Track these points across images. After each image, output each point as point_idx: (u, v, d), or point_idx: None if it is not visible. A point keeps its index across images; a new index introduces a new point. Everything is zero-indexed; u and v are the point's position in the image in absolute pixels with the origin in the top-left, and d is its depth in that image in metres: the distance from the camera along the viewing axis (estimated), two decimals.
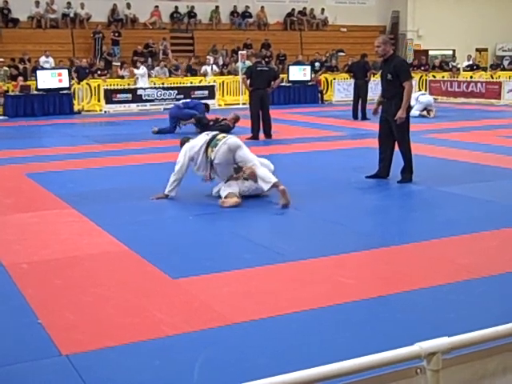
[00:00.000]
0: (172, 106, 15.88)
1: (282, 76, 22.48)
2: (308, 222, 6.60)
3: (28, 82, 19.60)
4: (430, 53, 29.16)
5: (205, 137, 7.60)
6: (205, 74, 22.78)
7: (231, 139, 7.46)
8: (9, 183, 8.82)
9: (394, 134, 8.42)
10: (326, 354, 3.38)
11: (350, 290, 4.53)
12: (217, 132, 7.83)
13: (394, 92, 8.21)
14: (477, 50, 30.23)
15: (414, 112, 17.25)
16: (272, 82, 13.32)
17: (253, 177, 7.27)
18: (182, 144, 7.85)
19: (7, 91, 19.27)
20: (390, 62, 8.29)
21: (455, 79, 24.81)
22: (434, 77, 25.53)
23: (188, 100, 15.37)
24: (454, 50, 29.33)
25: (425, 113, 17.22)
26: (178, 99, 20.60)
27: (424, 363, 1.84)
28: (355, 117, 16.88)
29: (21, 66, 20.88)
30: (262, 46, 25.71)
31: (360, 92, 16.86)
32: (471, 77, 25.57)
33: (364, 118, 16.70)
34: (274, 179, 7.18)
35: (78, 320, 4.05)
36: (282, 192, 7.03)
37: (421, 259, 5.28)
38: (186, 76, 22.77)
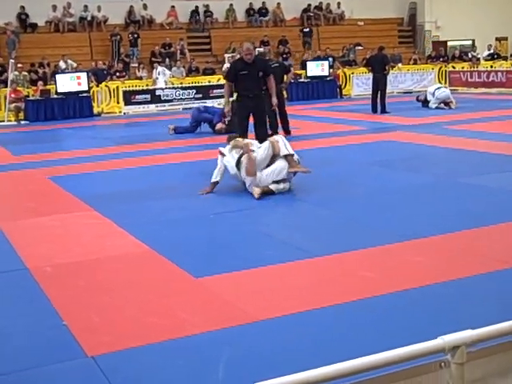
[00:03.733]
0: (195, 106, 15.99)
1: (300, 72, 22.57)
2: (329, 218, 6.57)
3: (48, 87, 19.76)
4: (449, 43, 28.90)
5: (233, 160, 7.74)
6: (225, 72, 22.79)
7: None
8: (32, 187, 8.90)
9: (259, 122, 9.56)
10: (349, 350, 3.36)
11: (373, 285, 4.50)
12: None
13: (261, 87, 9.48)
14: (496, 39, 29.88)
15: (431, 105, 17.16)
16: (285, 77, 13.48)
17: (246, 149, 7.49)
18: (228, 140, 8.04)
19: (27, 96, 19.45)
20: (257, 63, 9.55)
21: (475, 69, 24.56)
22: (454, 68, 25.30)
23: (210, 105, 15.34)
24: (473, 40, 29.03)
25: (442, 105, 17.07)
26: (197, 98, 20.72)
27: (448, 357, 1.82)
28: (374, 110, 16.78)
29: (40, 71, 21.05)
30: (279, 42, 25.67)
31: (379, 85, 16.75)
32: (491, 66, 25.30)
33: (383, 111, 16.61)
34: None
35: (102, 321, 4.07)
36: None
37: (444, 251, 5.23)
38: (204, 75, 22.83)
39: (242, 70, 9.31)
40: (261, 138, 9.15)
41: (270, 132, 12.68)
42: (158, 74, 21.52)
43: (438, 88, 17.86)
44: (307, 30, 26.68)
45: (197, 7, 26.13)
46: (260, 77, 9.32)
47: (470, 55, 26.78)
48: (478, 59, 26.41)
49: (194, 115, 14.52)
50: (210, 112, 14.39)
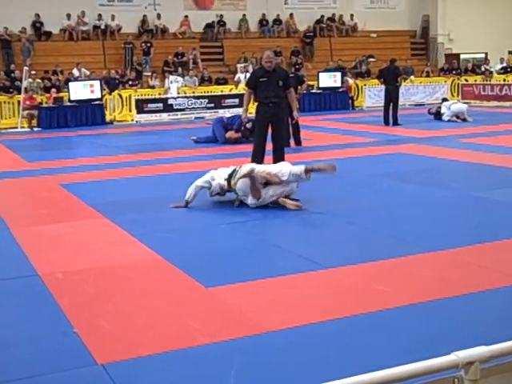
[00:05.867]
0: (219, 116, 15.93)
1: (312, 83, 22.59)
2: (340, 229, 6.56)
3: (61, 94, 19.87)
4: (462, 56, 28.86)
5: (227, 171, 7.65)
6: (238, 82, 22.87)
7: (243, 167, 7.49)
8: (44, 194, 8.94)
9: (278, 131, 9.35)
10: (361, 363, 3.35)
11: (384, 298, 4.49)
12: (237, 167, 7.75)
13: (283, 96, 9.41)
14: (510, 52, 29.78)
15: (444, 118, 17.18)
16: (299, 87, 13.60)
17: (270, 177, 7.27)
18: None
19: (41, 103, 19.56)
20: (278, 71, 9.52)
21: (488, 83, 24.50)
22: (467, 81, 25.25)
23: (235, 115, 15.05)
24: (486, 53, 28.98)
25: (454, 118, 17.09)
26: (209, 108, 20.78)
27: (462, 373, 1.80)
28: (386, 122, 16.77)
29: (54, 78, 21.18)
30: (291, 53, 25.72)
31: (391, 97, 16.75)
32: (504, 80, 25.23)
33: (395, 123, 16.59)
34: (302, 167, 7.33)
35: (112, 329, 4.07)
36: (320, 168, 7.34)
37: (457, 265, 5.20)
38: (217, 85, 22.92)
39: (261, 77, 9.34)
40: (278, 148, 9.16)
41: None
42: (171, 82, 21.62)
43: (455, 103, 18.02)
44: (309, 40, 26.75)
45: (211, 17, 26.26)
46: (280, 86, 9.32)
47: (482, 68, 26.74)
48: (491, 72, 26.35)
49: (212, 125, 14.50)
50: (233, 122, 14.12)
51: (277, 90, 9.28)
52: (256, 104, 9.68)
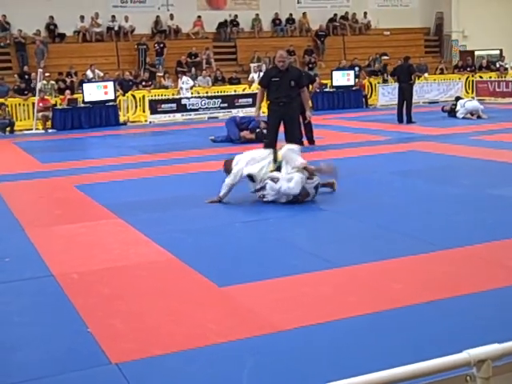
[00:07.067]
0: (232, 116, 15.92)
1: (325, 81, 22.56)
2: (355, 228, 6.54)
3: (75, 96, 19.97)
4: (476, 53, 28.67)
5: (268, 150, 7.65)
6: (251, 82, 22.88)
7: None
8: (59, 194, 8.99)
9: (290, 130, 9.66)
10: (373, 362, 3.33)
11: (398, 296, 4.47)
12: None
13: (295, 95, 9.46)
14: None
15: (459, 115, 17.11)
16: (310, 86, 13.70)
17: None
18: (226, 167, 7.87)
19: (55, 105, 19.68)
20: (291, 71, 9.61)
21: (503, 79, 24.34)
22: (481, 77, 25.09)
23: (247, 115, 15.08)
24: (501, 50, 28.78)
25: (469, 115, 17.00)
26: (222, 108, 20.80)
27: (474, 371, 1.79)
28: (400, 120, 16.70)
29: (68, 80, 21.31)
30: (304, 52, 25.69)
31: (405, 95, 16.69)
32: None
33: (409, 121, 16.52)
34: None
35: (126, 329, 4.09)
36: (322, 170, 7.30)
37: (470, 263, 5.17)
38: (230, 84, 22.95)
39: (274, 77, 9.35)
40: None
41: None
42: (183, 83, 21.66)
43: (469, 101, 17.94)
44: (321, 39, 26.71)
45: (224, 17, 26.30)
46: (292, 86, 9.30)
47: (497, 65, 26.56)
48: (506, 69, 26.17)
49: (225, 125, 14.53)
50: (247, 122, 14.17)
51: (288, 89, 9.29)
52: (268, 103, 9.71)
